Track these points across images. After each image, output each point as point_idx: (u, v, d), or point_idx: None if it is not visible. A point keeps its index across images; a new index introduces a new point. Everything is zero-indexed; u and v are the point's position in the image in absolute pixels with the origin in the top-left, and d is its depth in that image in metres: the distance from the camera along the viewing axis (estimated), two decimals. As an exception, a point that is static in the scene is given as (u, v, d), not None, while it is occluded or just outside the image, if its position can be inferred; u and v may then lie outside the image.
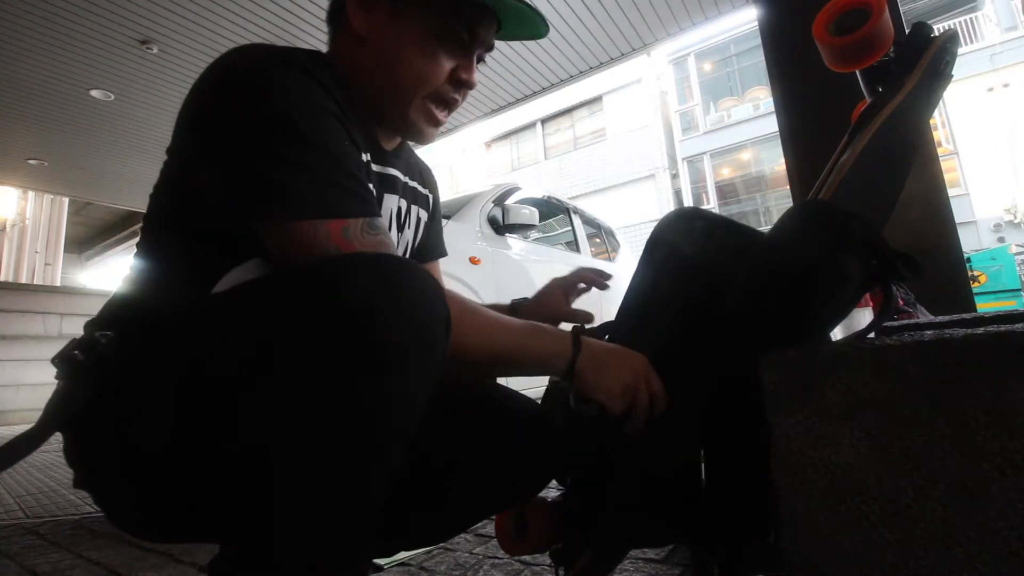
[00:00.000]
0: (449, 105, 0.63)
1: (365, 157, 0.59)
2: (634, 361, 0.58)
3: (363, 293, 0.41)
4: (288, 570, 0.41)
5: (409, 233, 0.73)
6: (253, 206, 0.48)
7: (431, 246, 0.84)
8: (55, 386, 0.48)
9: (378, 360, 0.41)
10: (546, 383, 0.60)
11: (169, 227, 0.56)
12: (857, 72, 0.72)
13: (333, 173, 0.49)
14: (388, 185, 0.67)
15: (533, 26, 0.65)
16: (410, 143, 0.73)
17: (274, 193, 0.47)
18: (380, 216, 0.53)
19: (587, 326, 0.76)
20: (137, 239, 0.59)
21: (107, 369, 0.47)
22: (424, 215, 0.77)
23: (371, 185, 0.59)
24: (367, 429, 0.41)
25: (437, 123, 0.64)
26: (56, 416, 0.46)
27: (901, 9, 2.23)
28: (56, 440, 0.51)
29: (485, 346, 0.54)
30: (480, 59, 0.65)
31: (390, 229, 0.67)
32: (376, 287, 0.41)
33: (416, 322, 0.42)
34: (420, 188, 0.76)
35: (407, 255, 0.73)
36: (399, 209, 0.69)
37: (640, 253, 0.71)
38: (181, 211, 0.55)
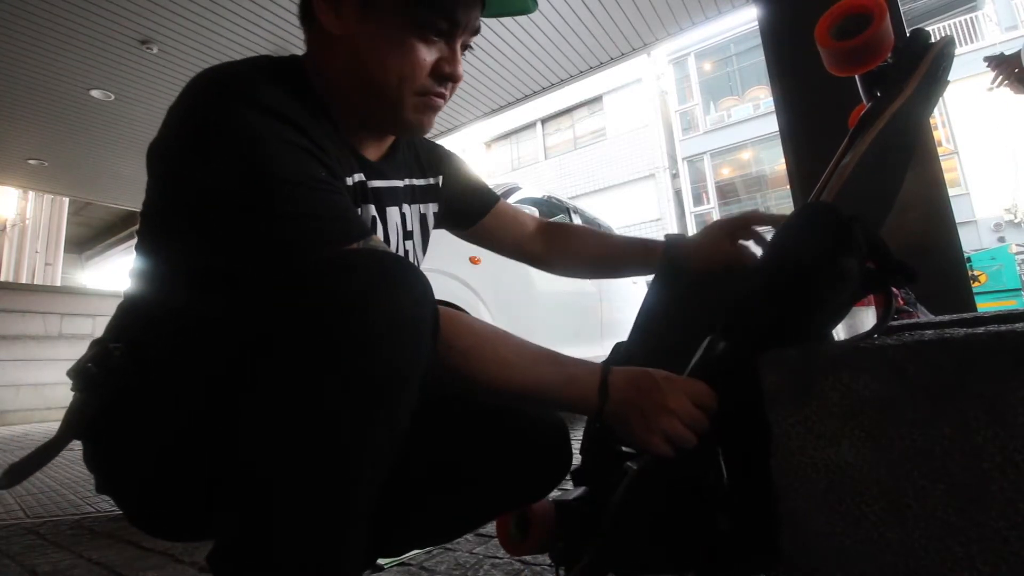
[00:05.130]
0: (437, 97, 0.58)
1: (354, 179, 0.58)
2: (668, 400, 0.52)
3: (358, 284, 0.41)
4: (282, 559, 0.41)
5: (417, 237, 0.72)
6: (271, 262, 0.47)
7: (480, 203, 0.82)
8: (72, 396, 0.52)
9: (352, 347, 0.40)
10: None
11: (167, 226, 0.55)
12: (856, 76, 0.72)
13: (318, 208, 0.47)
14: (389, 197, 0.65)
15: (521, 1, 0.60)
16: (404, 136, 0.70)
17: (284, 245, 0.47)
18: (373, 232, 0.52)
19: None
20: (136, 237, 0.60)
21: (118, 379, 0.50)
22: (432, 207, 0.75)
23: (370, 205, 0.61)
24: (349, 414, 0.41)
25: (433, 111, 0.59)
26: (73, 426, 0.50)
27: (901, 9, 2.23)
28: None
29: (501, 382, 0.52)
30: (466, 46, 0.59)
31: (397, 239, 0.67)
32: (369, 279, 0.41)
33: (397, 314, 0.42)
34: (419, 181, 0.73)
35: (416, 260, 0.72)
36: (403, 216, 0.68)
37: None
38: (180, 212, 0.54)
